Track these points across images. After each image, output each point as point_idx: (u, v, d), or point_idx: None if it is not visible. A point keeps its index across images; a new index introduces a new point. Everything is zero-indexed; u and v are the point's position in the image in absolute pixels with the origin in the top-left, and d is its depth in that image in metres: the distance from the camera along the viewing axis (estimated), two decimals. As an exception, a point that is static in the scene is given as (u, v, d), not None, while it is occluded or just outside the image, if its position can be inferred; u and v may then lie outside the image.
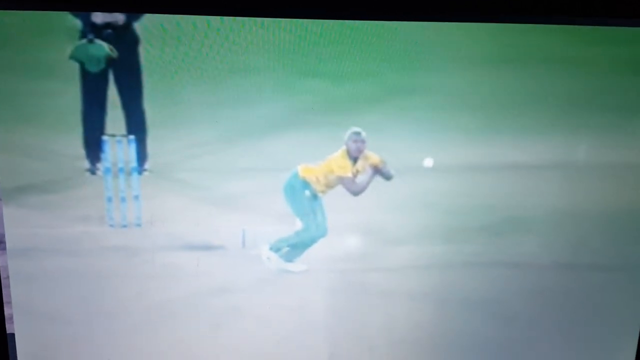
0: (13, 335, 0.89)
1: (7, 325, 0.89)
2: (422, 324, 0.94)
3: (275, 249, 0.89)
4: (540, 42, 0.84)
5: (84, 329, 0.89)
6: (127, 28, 0.79)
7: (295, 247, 0.89)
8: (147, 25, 0.79)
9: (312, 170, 0.87)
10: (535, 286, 0.93)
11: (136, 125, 0.83)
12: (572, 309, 0.95)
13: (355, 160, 0.87)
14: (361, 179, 0.88)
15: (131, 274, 0.88)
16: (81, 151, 0.83)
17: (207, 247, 0.88)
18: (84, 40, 0.79)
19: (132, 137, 0.83)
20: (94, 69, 0.80)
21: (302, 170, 0.87)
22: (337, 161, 0.87)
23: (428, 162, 0.87)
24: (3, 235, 0.85)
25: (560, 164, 0.89)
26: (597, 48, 0.85)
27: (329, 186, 0.88)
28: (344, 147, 0.86)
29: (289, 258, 0.90)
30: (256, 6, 0.80)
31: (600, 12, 0.83)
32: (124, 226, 0.86)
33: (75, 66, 0.80)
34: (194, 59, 0.81)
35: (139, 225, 0.86)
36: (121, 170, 0.85)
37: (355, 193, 0.88)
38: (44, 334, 0.90)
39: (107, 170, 0.84)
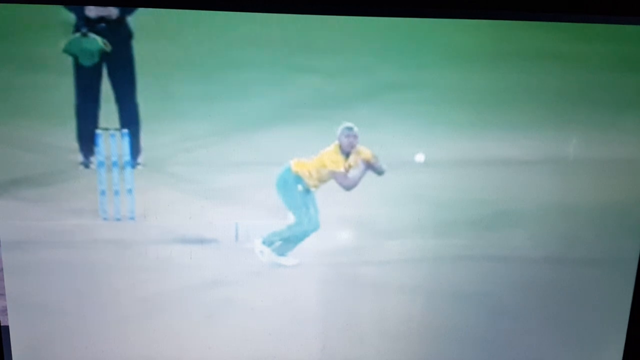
0: (7, 327, 0.90)
1: (1, 318, 0.90)
2: (413, 317, 0.94)
3: (268, 242, 0.90)
4: (531, 38, 0.85)
5: (78, 320, 0.90)
6: (120, 22, 0.80)
7: (287, 241, 0.90)
8: (141, 19, 0.80)
9: (304, 164, 0.88)
10: (524, 280, 0.94)
11: (129, 119, 0.83)
12: (561, 302, 0.96)
13: (347, 155, 0.88)
14: (353, 173, 0.88)
15: (124, 266, 0.88)
16: (75, 145, 0.83)
17: (200, 241, 0.88)
18: (78, 34, 0.80)
19: (125, 130, 0.84)
20: (87, 62, 0.81)
21: (294, 164, 0.87)
22: (329, 156, 0.87)
23: (420, 157, 0.88)
24: (-3, 228, 0.86)
25: (551, 159, 0.90)
26: (587, 45, 0.86)
27: (322, 181, 0.89)
28: (336, 142, 0.87)
29: (281, 252, 0.90)
30: (249, 1, 0.80)
31: (592, 10, 0.84)
32: (118, 219, 0.87)
33: (69, 60, 0.80)
34: (187, 54, 0.82)
35: (132, 218, 0.87)
36: (115, 163, 0.85)
37: (348, 187, 0.89)
38: (38, 326, 0.90)
39: (101, 164, 0.85)
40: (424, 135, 0.87)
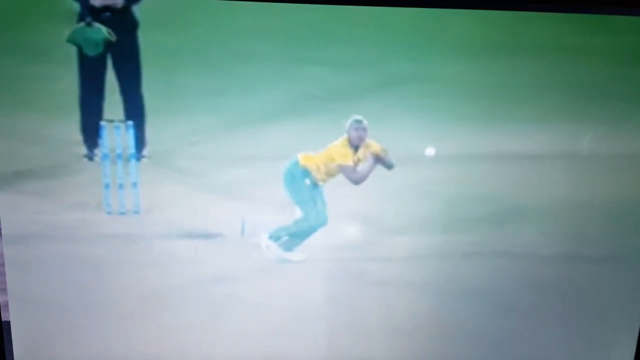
0: (8, 322, 0.89)
1: (2, 313, 0.88)
2: (421, 314, 0.94)
3: (275, 237, 0.89)
4: (543, 30, 0.84)
5: (81, 316, 0.89)
6: (126, 11, 0.78)
7: (294, 236, 0.89)
8: (147, 9, 0.78)
9: (312, 158, 0.86)
10: (534, 277, 0.93)
11: (134, 111, 0.82)
12: (571, 299, 0.95)
13: (356, 148, 0.87)
14: (362, 167, 0.87)
15: (129, 261, 0.87)
16: (79, 137, 0.82)
17: (206, 235, 0.87)
18: (82, 24, 0.78)
19: (130, 123, 0.82)
20: (92, 52, 0.79)
21: (302, 158, 0.86)
22: (338, 149, 0.86)
23: (429, 151, 0.87)
24: (-1, 222, 0.85)
25: (562, 154, 0.89)
26: (600, 37, 0.85)
27: (330, 175, 0.88)
28: (345, 135, 0.86)
29: (288, 247, 0.89)
30: (257, -9, 0.79)
31: (605, 0, 0.83)
32: (122, 213, 0.85)
33: (73, 50, 0.79)
34: (193, 45, 0.80)
35: (137, 212, 0.86)
36: (119, 156, 0.84)
37: (356, 182, 0.88)
38: (40, 322, 0.89)
39: (105, 157, 0.83)
40: (435, 129, 0.86)
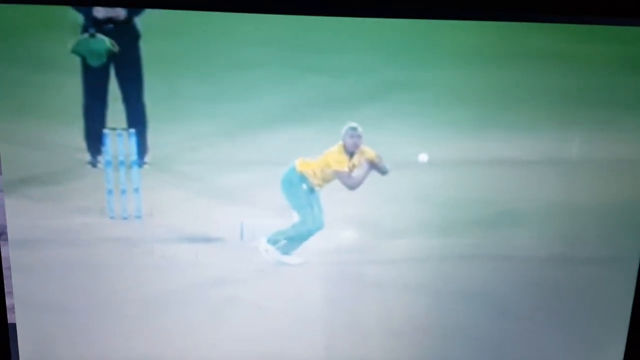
0: (14, 325, 0.90)
1: (8, 316, 0.90)
2: (418, 316, 0.95)
3: (273, 241, 0.90)
4: (534, 39, 0.86)
5: (85, 319, 0.91)
6: (128, 23, 0.81)
7: (292, 240, 0.91)
8: (148, 20, 0.81)
9: (309, 164, 0.88)
10: (529, 279, 0.94)
11: (137, 119, 0.84)
12: (565, 301, 0.96)
13: (351, 155, 0.88)
14: (357, 173, 0.89)
15: (131, 265, 0.89)
16: (82, 144, 0.84)
17: (206, 239, 0.89)
18: (86, 35, 0.80)
19: (132, 130, 0.85)
20: (95, 63, 0.82)
21: (299, 164, 0.88)
22: (333, 156, 0.88)
23: (423, 157, 0.89)
24: (5, 227, 0.87)
25: (554, 159, 0.90)
26: (590, 45, 0.87)
27: (326, 180, 0.89)
28: (340, 142, 0.88)
29: (286, 250, 0.91)
30: (255, 2, 0.81)
31: (594, 11, 0.85)
32: (124, 218, 0.87)
33: (77, 60, 0.81)
34: (193, 54, 0.82)
35: (139, 217, 0.87)
36: (122, 163, 0.86)
37: (352, 187, 0.90)
38: (45, 324, 0.91)
39: (108, 163, 0.86)
40: (428, 136, 0.88)
